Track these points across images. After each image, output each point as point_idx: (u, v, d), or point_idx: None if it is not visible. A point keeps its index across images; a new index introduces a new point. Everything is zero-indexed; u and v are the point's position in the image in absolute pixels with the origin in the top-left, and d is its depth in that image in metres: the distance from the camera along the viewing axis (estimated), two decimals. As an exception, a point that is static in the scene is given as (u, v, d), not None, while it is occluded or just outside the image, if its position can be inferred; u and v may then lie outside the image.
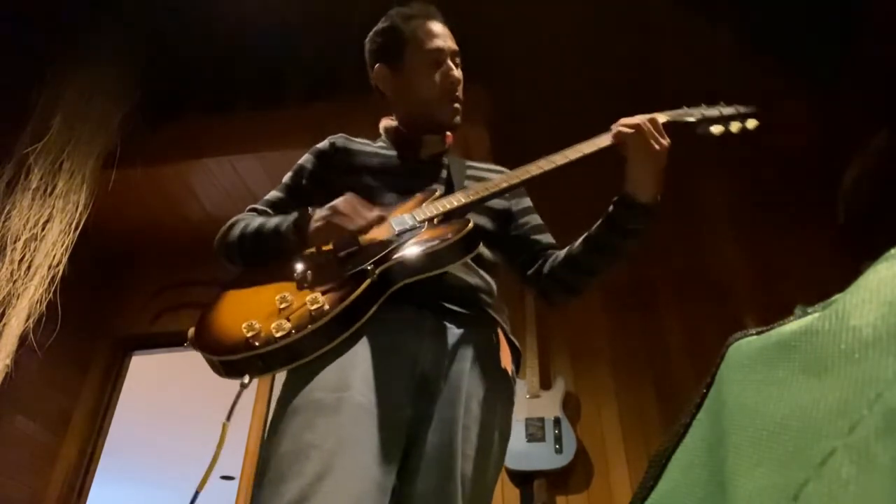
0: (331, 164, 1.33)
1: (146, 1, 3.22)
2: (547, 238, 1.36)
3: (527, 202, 1.41)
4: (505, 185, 1.21)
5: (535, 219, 1.39)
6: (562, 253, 1.28)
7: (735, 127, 1.30)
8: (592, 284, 1.28)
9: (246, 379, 0.95)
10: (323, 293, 1.03)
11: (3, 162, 2.89)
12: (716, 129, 1.29)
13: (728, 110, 1.32)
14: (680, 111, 1.31)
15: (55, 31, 3.19)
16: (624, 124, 1.19)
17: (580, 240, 1.26)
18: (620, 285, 2.98)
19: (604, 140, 1.21)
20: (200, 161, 3.12)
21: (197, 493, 0.91)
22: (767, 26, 2.89)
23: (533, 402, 2.68)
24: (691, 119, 1.30)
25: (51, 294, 2.69)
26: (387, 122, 1.44)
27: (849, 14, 2.70)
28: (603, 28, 3.10)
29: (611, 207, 1.20)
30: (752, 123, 1.31)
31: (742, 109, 1.33)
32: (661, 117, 1.26)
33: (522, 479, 2.55)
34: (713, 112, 1.31)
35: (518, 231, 1.36)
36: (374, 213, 1.13)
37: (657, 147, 1.15)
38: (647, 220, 1.18)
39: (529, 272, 1.32)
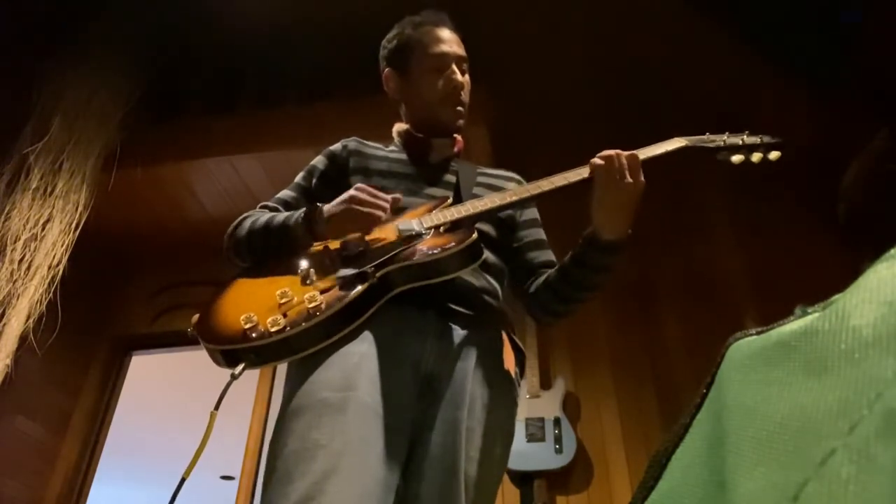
0: (342, 165, 1.35)
1: (146, 1, 3.23)
2: (543, 255, 1.34)
3: (532, 214, 1.41)
4: (515, 198, 1.20)
5: (536, 233, 1.38)
6: (543, 277, 1.28)
7: (756, 157, 1.27)
8: (574, 310, 1.27)
9: (237, 370, 0.96)
10: (322, 292, 1.04)
11: (3, 162, 2.89)
12: (736, 158, 1.26)
13: (752, 139, 1.28)
14: (702, 137, 1.29)
15: (56, 31, 3.19)
16: (599, 156, 1.14)
17: (556, 267, 1.25)
18: (620, 285, 2.97)
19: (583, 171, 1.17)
20: (200, 161, 3.12)
21: (183, 479, 0.91)
22: (768, 27, 2.89)
23: (533, 402, 2.68)
24: (712, 145, 1.27)
25: (51, 294, 2.70)
26: (399, 126, 1.45)
27: (849, 14, 2.70)
28: (604, 30, 3.10)
29: (579, 243, 1.18)
30: (774, 155, 1.27)
31: (766, 139, 1.28)
32: (680, 142, 1.25)
33: (522, 479, 2.55)
34: (735, 140, 1.28)
35: (517, 243, 1.35)
36: (389, 196, 1.14)
37: (626, 184, 1.10)
38: (615, 257, 1.15)
39: (520, 287, 1.33)
